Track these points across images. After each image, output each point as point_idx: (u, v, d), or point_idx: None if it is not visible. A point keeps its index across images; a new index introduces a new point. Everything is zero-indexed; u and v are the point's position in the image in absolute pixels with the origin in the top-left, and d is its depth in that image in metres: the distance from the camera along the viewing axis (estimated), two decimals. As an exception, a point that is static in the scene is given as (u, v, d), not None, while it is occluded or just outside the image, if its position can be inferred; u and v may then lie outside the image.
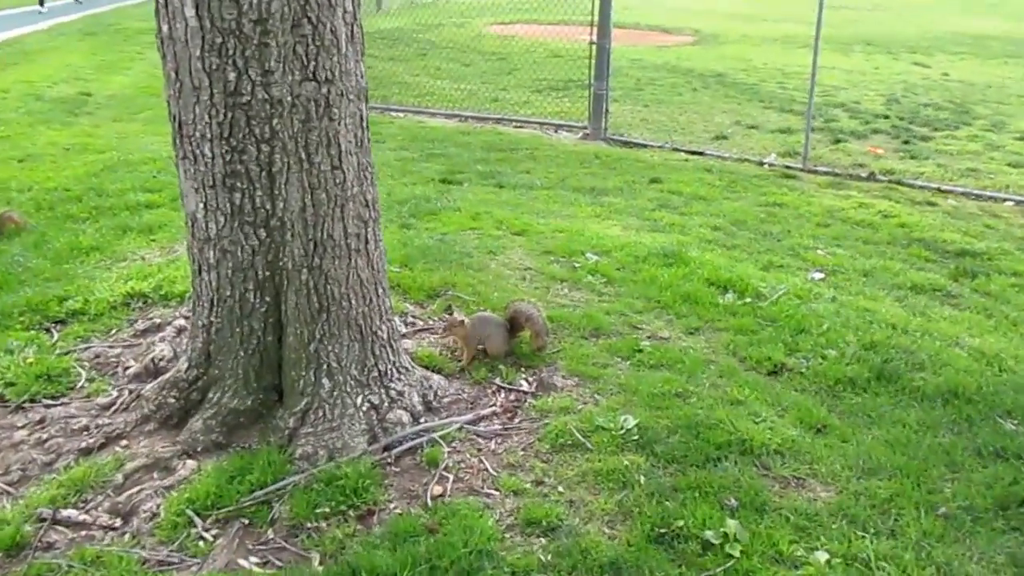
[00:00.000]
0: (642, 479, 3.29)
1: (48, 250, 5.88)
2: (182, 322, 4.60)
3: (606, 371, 4.12)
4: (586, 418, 3.68)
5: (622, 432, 3.56)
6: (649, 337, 4.55)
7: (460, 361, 4.19)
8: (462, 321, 4.09)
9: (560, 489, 3.26)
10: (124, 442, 3.61)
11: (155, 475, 3.37)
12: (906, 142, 10.78)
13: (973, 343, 4.62)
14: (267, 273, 3.47)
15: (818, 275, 5.71)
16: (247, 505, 3.13)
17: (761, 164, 9.72)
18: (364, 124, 3.54)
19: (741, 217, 7.07)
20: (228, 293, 3.51)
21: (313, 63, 3.26)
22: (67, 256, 5.78)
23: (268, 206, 3.37)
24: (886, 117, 12.57)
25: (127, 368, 4.23)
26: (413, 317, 4.73)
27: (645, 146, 10.75)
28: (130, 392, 3.96)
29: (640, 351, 4.33)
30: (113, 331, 4.64)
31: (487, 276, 5.30)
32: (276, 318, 3.55)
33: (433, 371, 4.14)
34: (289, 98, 3.25)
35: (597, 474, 3.32)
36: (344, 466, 3.31)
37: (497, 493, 3.25)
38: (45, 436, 3.62)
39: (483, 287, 5.08)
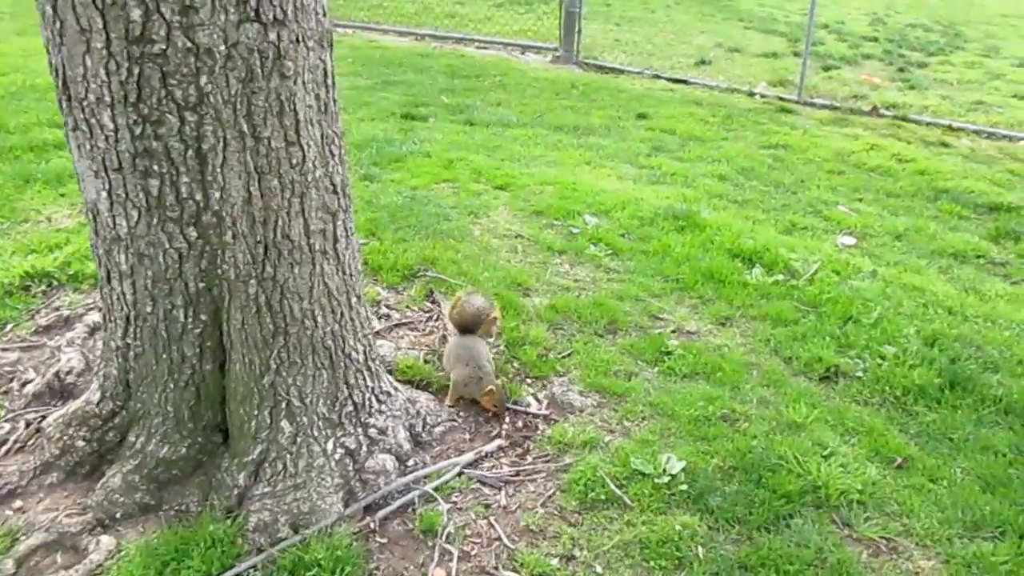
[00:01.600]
0: (701, 552, 2.57)
1: (-72, 209, 4.79)
2: (96, 317, 3.67)
3: (632, 384, 3.35)
4: (619, 458, 2.93)
5: (667, 480, 2.82)
6: (675, 332, 3.79)
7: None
8: (491, 390, 3.15)
9: (598, 569, 2.52)
10: (18, 502, 2.75)
11: (58, 559, 2.53)
12: (901, 69, 10.03)
13: (1042, 332, 3.98)
14: (201, 284, 2.56)
15: (849, 240, 4.99)
16: (185, 612, 2.32)
17: (752, 94, 8.89)
18: (329, 81, 2.59)
19: (747, 164, 6.27)
20: (148, 309, 2.60)
21: (256, -5, 2.28)
22: (-48, 217, 4.71)
23: (199, 196, 2.44)
24: (875, 40, 11.78)
25: (25, 383, 3.31)
26: (388, 307, 3.87)
27: (623, 72, 9.79)
28: (27, 424, 3.06)
29: (668, 354, 3.57)
30: (8, 326, 3.68)
31: (471, 247, 4.43)
32: (216, 341, 2.67)
33: (418, 386, 3.32)
34: (223, 47, 2.28)
35: (643, 545, 2.59)
36: (314, 543, 2.51)
37: (517, 577, 2.49)
38: (-91, 495, 2.73)
39: (468, 263, 4.22)
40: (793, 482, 2.84)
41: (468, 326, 3.29)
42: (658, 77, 9.59)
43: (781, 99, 8.59)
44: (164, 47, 2.24)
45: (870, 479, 2.90)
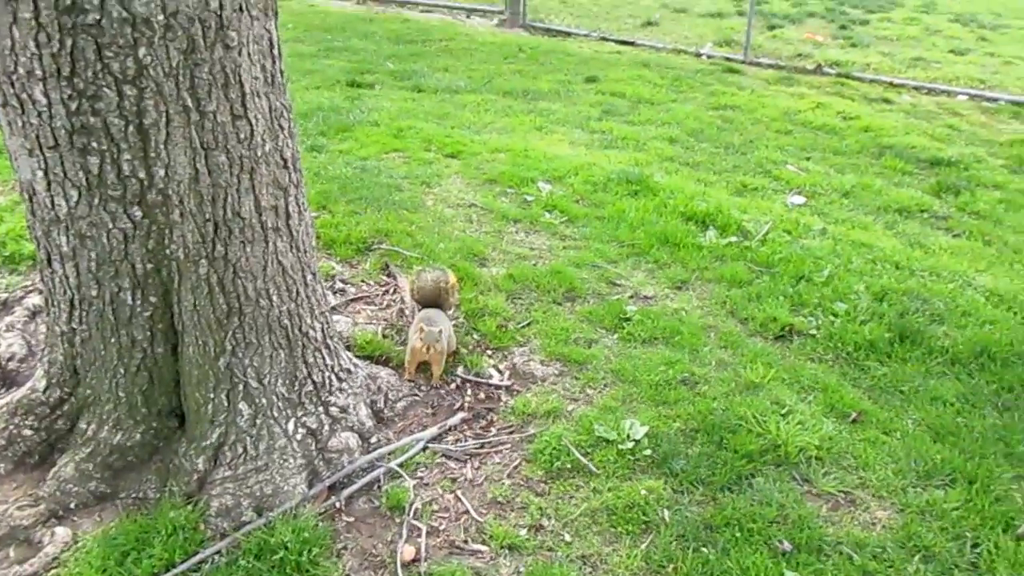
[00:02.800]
0: (667, 515, 2.60)
1: None
2: (37, 299, 3.52)
3: (592, 351, 3.36)
4: (583, 426, 2.94)
5: (631, 446, 2.84)
6: (633, 297, 3.80)
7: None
8: (438, 331, 3.11)
9: (567, 538, 2.53)
10: (-35, 498, 2.64)
11: (11, 554, 2.45)
12: (843, 27, 10.15)
13: (985, 283, 4.10)
14: (149, 265, 2.47)
15: (798, 199, 5.06)
16: (149, 602, 2.27)
17: (699, 55, 8.90)
18: (276, 51, 2.49)
19: (696, 125, 6.30)
20: (94, 293, 2.50)
21: (194, -39, 2.17)
22: None
23: (143, 174, 2.34)
24: (816, -2, 11.86)
25: (-36, 373, 3.17)
26: (342, 281, 3.80)
27: (570, 34, 9.71)
28: (-31, 415, 2.93)
29: (627, 319, 3.58)
30: (-58, 314, 3.51)
31: (426, 218, 4.37)
32: (168, 323, 2.58)
33: (378, 362, 3.27)
34: (161, 17, 2.17)
35: (610, 512, 2.61)
36: (279, 526, 2.46)
37: (487, 549, 2.49)
38: None
39: (423, 235, 4.17)
40: (753, 442, 2.89)
41: (429, 298, 3.26)
42: (605, 39, 9.53)
43: (728, 59, 8.63)
44: (98, 17, 2.12)
45: (827, 435, 2.97)
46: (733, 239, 4.34)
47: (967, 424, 3.10)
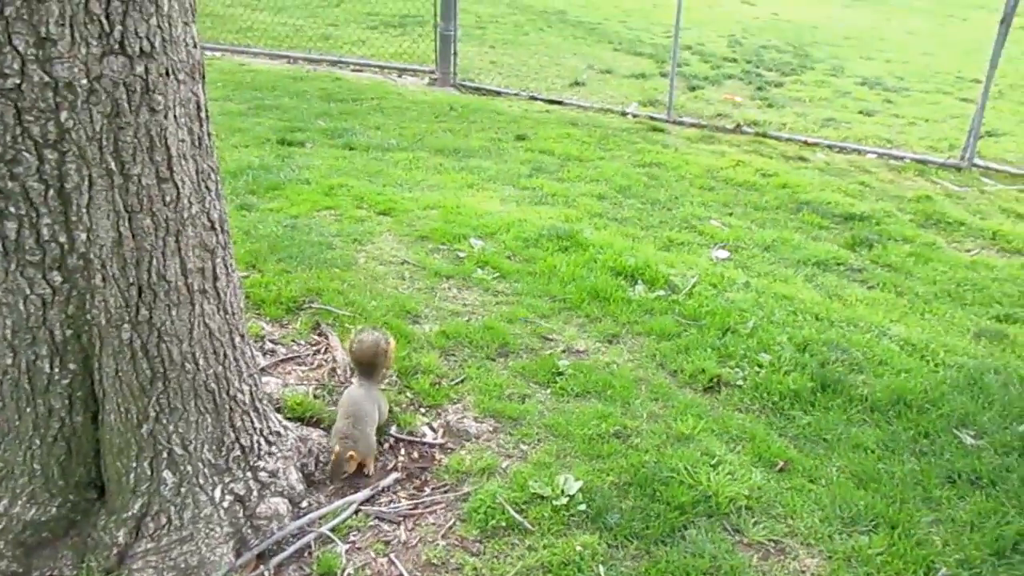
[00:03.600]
0: (602, 570, 2.61)
1: None
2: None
3: (526, 407, 3.38)
4: (517, 483, 2.93)
5: (565, 502, 2.85)
6: (565, 351, 3.84)
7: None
8: (351, 456, 2.92)
9: (502, 597, 2.51)
10: None
11: (-88, 643, 2.29)
12: (760, 88, 10.64)
13: (898, 332, 4.28)
14: (69, 331, 2.40)
15: (722, 253, 5.22)
16: None
17: (624, 114, 9.19)
18: (203, 114, 2.49)
19: (624, 182, 6.47)
20: (9, 361, 2.41)
21: (119, 27, 2.17)
22: None
23: (63, 238, 2.29)
24: (734, 60, 12.43)
25: None
26: (272, 342, 3.74)
27: (500, 93, 9.92)
28: None
29: (560, 374, 3.62)
30: None
31: (357, 276, 4.36)
32: (87, 390, 2.50)
33: (309, 423, 3.22)
34: (84, 81, 2.16)
35: (546, 569, 2.60)
36: (205, 598, 2.38)
37: (421, 613, 2.45)
38: None
39: (355, 293, 4.15)
40: (685, 493, 2.93)
41: (366, 359, 3.15)
42: (534, 99, 9.76)
43: (652, 118, 8.93)
44: (18, 81, 2.10)
45: (756, 484, 3.03)
46: (661, 293, 4.45)
47: (887, 470, 3.21)
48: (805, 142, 8.24)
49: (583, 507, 2.83)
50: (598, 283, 4.45)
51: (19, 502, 2.54)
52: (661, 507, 2.87)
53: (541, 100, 9.72)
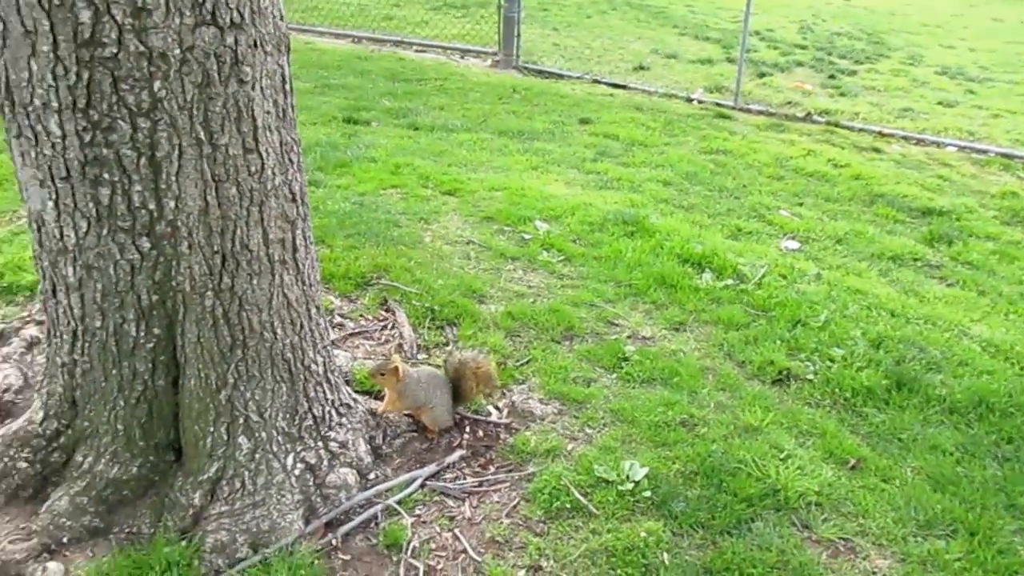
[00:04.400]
0: (666, 558, 2.59)
1: None
2: (35, 331, 3.49)
3: (591, 391, 3.36)
4: (582, 466, 2.92)
5: (630, 487, 2.83)
6: (631, 337, 3.81)
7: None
8: (395, 368, 2.95)
9: (566, 579, 2.51)
10: (-46, 530, 2.58)
11: (2, 589, 2.39)
12: (831, 76, 10.36)
13: (980, 332, 4.14)
14: (155, 297, 2.46)
15: (792, 244, 5.11)
16: (142, 640, 2.22)
17: (690, 100, 9.05)
18: (288, 87, 2.52)
19: (690, 168, 6.37)
20: (98, 324, 2.49)
21: (212, -1, 2.20)
22: None
23: (153, 205, 2.34)
24: (804, 47, 12.13)
25: (-43, 403, 3.13)
26: (341, 316, 3.79)
27: (562, 76, 9.85)
28: (-39, 446, 2.88)
29: (626, 359, 3.59)
30: (-65, 342, 3.47)
31: (424, 254, 4.38)
32: (170, 355, 2.57)
33: (377, 397, 3.25)
34: (177, 51, 2.19)
35: (609, 553, 2.59)
36: (275, 563, 2.43)
37: (486, 590, 2.46)
38: None
39: (422, 271, 4.18)
40: (753, 485, 2.89)
41: (451, 374, 3.10)
42: (597, 82, 9.67)
43: (718, 105, 8.77)
44: (115, 51, 2.14)
45: (826, 480, 2.97)
46: (729, 282, 4.37)
47: (967, 474, 3.11)
48: (880, 133, 8.00)
49: (648, 494, 2.81)
50: (664, 270, 4.39)
51: (103, 460, 2.62)
52: (728, 498, 2.83)
53: (604, 84, 9.62)
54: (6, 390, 3.11)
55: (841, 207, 5.91)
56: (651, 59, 11.06)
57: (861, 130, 8.08)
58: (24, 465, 2.68)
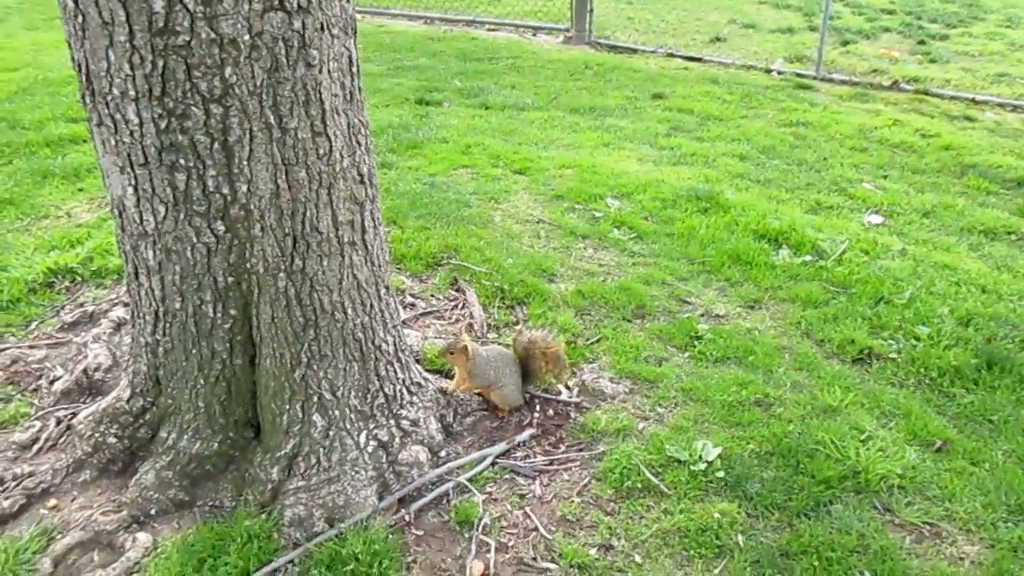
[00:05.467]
0: (740, 539, 2.54)
1: (-50, 206, 4.78)
2: (121, 312, 3.65)
3: (663, 370, 3.31)
4: (653, 445, 2.89)
5: (703, 467, 2.78)
6: (704, 315, 3.73)
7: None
8: (464, 347, 2.99)
9: (637, 559, 2.49)
10: (52, 501, 2.74)
11: (95, 558, 2.53)
12: (921, 42, 9.85)
13: (1079, 310, 3.90)
14: (230, 279, 2.53)
15: (876, 219, 4.91)
16: (225, 609, 2.31)
17: (769, 71, 8.75)
18: (355, 69, 2.54)
19: (767, 142, 6.18)
20: (178, 305, 2.58)
21: (279, -16, 2.23)
22: (-26, 214, 4.70)
23: (226, 190, 2.40)
24: (892, 12, 11.57)
25: (53, 380, 3.31)
26: (412, 296, 3.83)
27: (636, 51, 9.66)
28: (58, 421, 3.06)
29: (699, 338, 3.52)
30: (33, 323, 3.68)
31: (494, 234, 4.39)
32: (246, 335, 2.64)
33: (448, 376, 3.28)
34: (247, 37, 2.23)
35: (682, 534, 2.55)
36: (350, 537, 2.49)
37: (555, 567, 2.47)
38: (-56, 496, 2.72)
39: (491, 250, 4.18)
40: (832, 467, 2.80)
41: (519, 353, 3.11)
42: (672, 55, 9.46)
43: (799, 75, 8.46)
44: (188, 38, 2.19)
45: (910, 463, 2.86)
46: (807, 258, 4.23)
47: (1063, 456, 2.94)
48: (973, 100, 7.58)
49: (722, 474, 2.76)
50: (739, 246, 4.28)
51: (185, 436, 2.73)
52: (805, 480, 2.75)
53: (679, 57, 9.40)
54: (96, 369, 3.26)
55: (929, 179, 5.64)
56: (728, 30, 10.75)
57: (952, 98, 7.68)
58: (114, 440, 2.81)
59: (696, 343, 3.50)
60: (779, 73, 8.67)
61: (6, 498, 2.70)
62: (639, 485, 2.74)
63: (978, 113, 7.26)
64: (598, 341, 3.51)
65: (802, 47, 9.55)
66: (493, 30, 10.79)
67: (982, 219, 4.93)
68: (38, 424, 3.04)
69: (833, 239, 4.43)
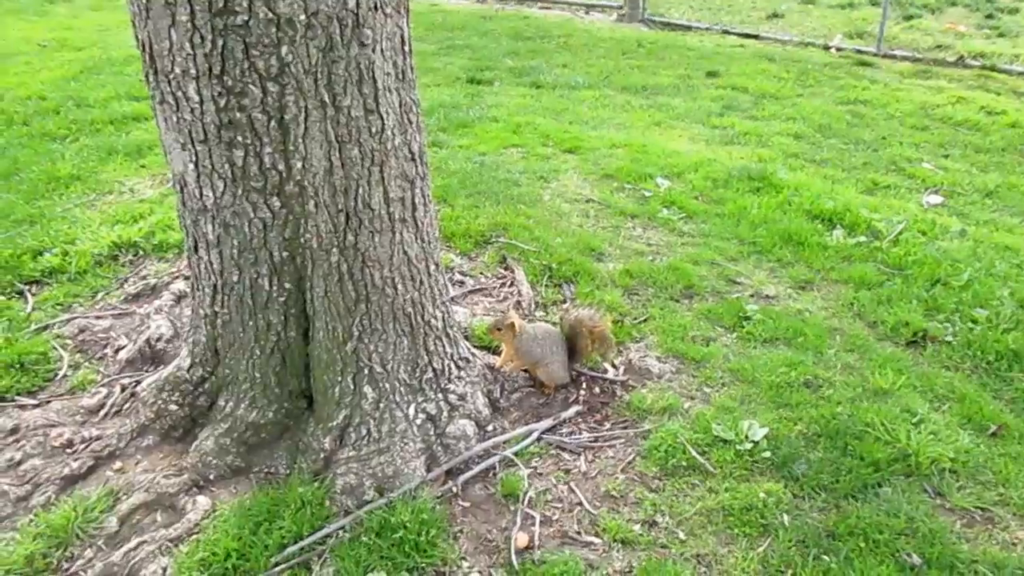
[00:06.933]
0: (786, 519, 2.53)
1: (20, 180, 4.98)
2: (182, 285, 3.78)
3: (710, 349, 3.31)
4: (699, 424, 2.89)
5: (749, 447, 2.78)
6: (753, 296, 3.71)
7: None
8: (512, 324, 3.04)
9: (681, 535, 2.51)
10: (117, 463, 2.87)
11: (158, 518, 2.64)
12: (989, 15, 9.51)
13: None
14: (285, 253, 2.61)
15: (935, 199, 4.79)
16: (280, 570, 2.40)
17: (827, 48, 8.55)
18: (407, 48, 2.58)
19: (824, 121, 6.06)
20: (235, 278, 2.66)
21: (334, -37, 2.27)
22: (43, 189, 4.89)
23: (282, 166, 2.47)
24: (959, -14, 11.16)
25: (118, 349, 3.45)
26: (461, 273, 3.88)
27: (690, 28, 9.53)
28: (122, 388, 3.19)
29: (747, 318, 3.50)
30: (99, 294, 3.83)
31: (542, 213, 4.41)
32: (300, 308, 2.72)
33: (495, 353, 3.33)
34: (303, 16, 2.28)
35: (726, 512, 2.56)
36: (399, 506, 2.56)
37: (599, 541, 2.50)
38: (19, 456, 2.87)
39: (540, 229, 4.20)
40: (881, 450, 2.77)
41: (566, 332, 3.14)
42: (727, 32, 9.30)
43: (859, 52, 8.25)
44: (246, 18, 2.25)
45: (963, 447, 2.81)
46: (862, 239, 4.16)
47: (1124, 443, 2.86)
48: (1042, 76, 7.31)
49: (768, 454, 2.75)
50: (792, 226, 4.23)
51: (242, 405, 2.82)
52: (853, 462, 2.73)
53: (735, 34, 9.24)
54: (158, 339, 3.39)
55: (993, 158, 5.47)
56: (786, 6, 10.52)
57: (1021, 74, 7.40)
58: (175, 408, 2.92)
59: (745, 323, 3.48)
60: (838, 50, 8.46)
61: (75, 459, 2.83)
62: (684, 463, 2.75)
63: (1048, 90, 7.00)
64: (645, 320, 3.52)
65: (863, 22, 9.30)
66: (545, 8, 10.74)
67: (1048, 200, 4.78)
68: (104, 390, 3.18)
69: (889, 220, 4.34)
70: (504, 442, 2.88)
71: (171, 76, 2.37)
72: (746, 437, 2.82)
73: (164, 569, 2.43)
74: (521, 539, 2.50)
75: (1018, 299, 3.65)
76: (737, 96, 6.69)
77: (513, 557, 2.43)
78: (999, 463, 2.76)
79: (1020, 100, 6.72)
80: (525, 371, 3.19)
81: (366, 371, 2.74)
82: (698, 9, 10.40)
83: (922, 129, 6.01)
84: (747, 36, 9.11)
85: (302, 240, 2.58)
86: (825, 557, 2.40)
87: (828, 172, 5.13)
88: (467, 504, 2.66)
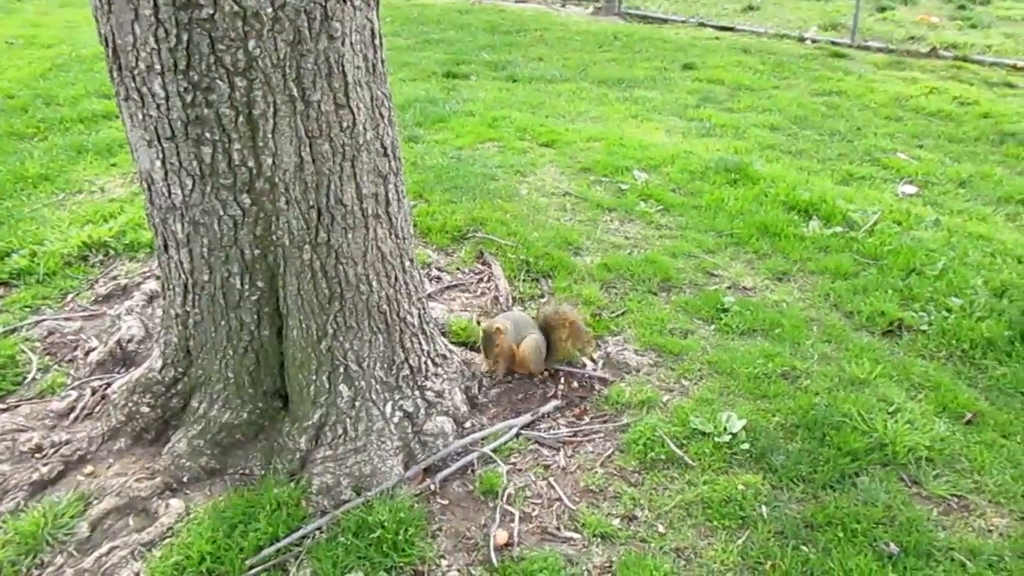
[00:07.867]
0: (765, 511, 2.53)
1: (-12, 182, 4.88)
2: (154, 285, 3.72)
3: (688, 342, 3.30)
4: (678, 417, 2.89)
5: (727, 439, 2.77)
6: (731, 288, 3.71)
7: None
8: (498, 328, 3.03)
9: (660, 529, 2.50)
10: (88, 468, 2.81)
11: (130, 522, 2.59)
12: (961, 7, 9.60)
13: (1118, 280, 3.80)
14: (257, 251, 2.56)
15: (909, 189, 4.82)
16: (255, 573, 2.36)
17: (802, 40, 8.59)
18: (377, 41, 2.54)
19: (799, 112, 6.08)
20: (206, 277, 2.62)
21: (300, -45, 2.23)
22: (10, 189, 4.79)
23: (251, 163, 2.42)
24: (931, -23, 11.25)
25: (88, 351, 3.39)
26: (438, 269, 3.85)
27: (667, 21, 9.54)
28: (93, 391, 3.13)
29: (725, 311, 3.50)
30: (69, 296, 3.76)
31: (520, 207, 4.38)
32: (273, 307, 2.68)
33: (473, 349, 3.31)
34: (270, 9, 2.24)
35: (705, 505, 2.56)
36: (377, 505, 2.53)
37: (579, 536, 2.49)
38: (-13, 462, 2.81)
39: (517, 223, 4.18)
40: (858, 439, 2.78)
41: (542, 325, 3.15)
42: (703, 25, 9.32)
43: (833, 43, 8.30)
44: (212, 11, 2.21)
45: (939, 435, 2.83)
46: (838, 229, 4.18)
47: (1097, 429, 2.89)
48: (1014, 66, 7.39)
49: (746, 446, 2.75)
50: (768, 218, 4.24)
51: (216, 406, 2.78)
52: (831, 452, 2.74)
53: (711, 27, 9.26)
54: (129, 340, 3.33)
55: (966, 148, 5.52)
56: (760, -2, 10.55)
57: (993, 64, 7.48)
58: (147, 410, 2.87)
59: (722, 315, 3.48)
60: (813, 42, 8.50)
61: (45, 464, 2.78)
62: (663, 457, 2.74)
63: (1020, 80, 7.07)
64: (623, 314, 3.51)
65: (837, 14, 9.36)
66: (522, 2, 10.70)
67: (1020, 188, 4.82)
68: (74, 393, 3.12)
69: (865, 210, 4.36)
70: (483, 438, 2.86)
71: (135, 72, 2.32)
72: (724, 429, 2.81)
73: (137, 574, 2.39)
74: (500, 536, 2.48)
75: (991, 287, 3.68)
76: (713, 88, 6.70)
77: (492, 554, 2.41)
78: (974, 451, 2.78)
79: (992, 90, 6.78)
80: (507, 368, 3.17)
81: (341, 369, 2.71)
82: (674, 2, 10.41)
83: (896, 120, 6.05)
84: (723, 28, 9.13)
85: (273, 237, 2.54)
86: (804, 548, 2.40)
87: (804, 163, 5.15)
88: (446, 502, 2.63)
